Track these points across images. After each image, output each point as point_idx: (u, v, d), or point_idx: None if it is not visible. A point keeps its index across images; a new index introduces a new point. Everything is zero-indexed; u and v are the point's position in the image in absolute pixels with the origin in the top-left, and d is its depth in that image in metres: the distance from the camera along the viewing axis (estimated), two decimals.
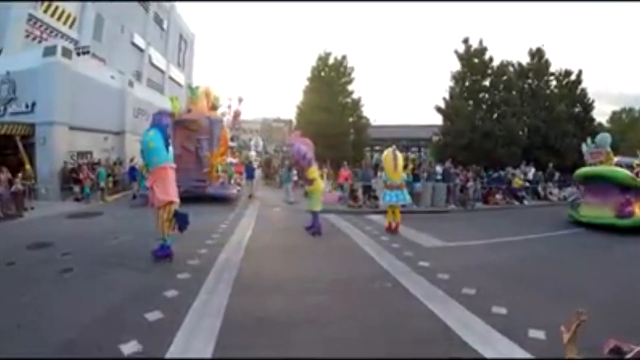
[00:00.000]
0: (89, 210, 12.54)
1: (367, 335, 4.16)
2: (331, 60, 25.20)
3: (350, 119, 25.22)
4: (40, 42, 17.44)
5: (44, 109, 14.87)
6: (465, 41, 24.02)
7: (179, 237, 6.88)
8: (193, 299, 4.97)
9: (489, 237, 9.54)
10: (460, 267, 6.66)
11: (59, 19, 19.10)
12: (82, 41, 20.15)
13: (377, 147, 28.03)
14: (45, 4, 18.16)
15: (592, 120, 25.40)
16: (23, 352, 3.55)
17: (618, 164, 11.57)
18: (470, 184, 16.10)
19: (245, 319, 4.47)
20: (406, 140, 30.02)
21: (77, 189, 14.70)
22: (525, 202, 16.90)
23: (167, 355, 3.58)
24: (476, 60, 23.78)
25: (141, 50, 26.95)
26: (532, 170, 19.16)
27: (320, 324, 4.42)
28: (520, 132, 23.23)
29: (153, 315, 4.42)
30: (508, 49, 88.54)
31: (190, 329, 4.15)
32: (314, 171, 9.63)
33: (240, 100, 26.55)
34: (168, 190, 6.72)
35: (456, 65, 24.37)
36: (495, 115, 23.25)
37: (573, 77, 25.19)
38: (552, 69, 25.16)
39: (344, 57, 25.24)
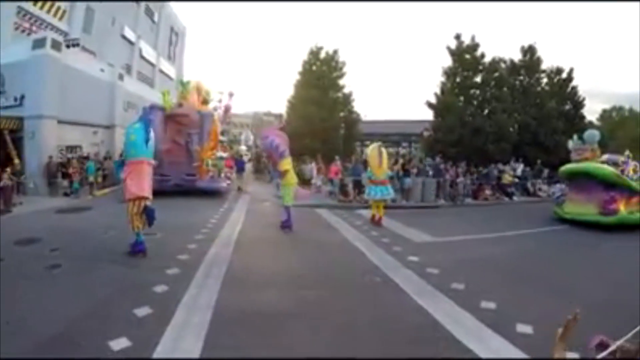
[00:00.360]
0: (78, 205, 12.42)
1: (357, 330, 4.23)
2: (323, 55, 25.10)
3: (341, 114, 25.18)
4: (29, 34, 17.06)
5: (32, 103, 14.62)
6: (458, 37, 24.04)
7: (168, 232, 6.87)
8: (182, 294, 4.99)
9: (478, 232, 9.67)
10: (449, 262, 6.77)
11: (48, 11, 18.72)
12: (71, 33, 19.72)
13: (367, 142, 28.01)
14: None
15: (583, 117, 25.60)
16: (11, 350, 3.54)
17: (606, 162, 11.55)
18: (460, 179, 16.24)
19: (235, 314, 4.51)
20: (397, 135, 30.05)
21: (65, 183, 14.53)
22: (515, 198, 17.07)
23: (155, 355, 3.58)
24: (468, 57, 23.82)
25: (132, 43, 26.51)
26: (521, 166, 19.37)
27: (310, 319, 4.48)
28: (511, 129, 23.35)
29: (142, 311, 4.45)
30: (500, 46, 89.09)
31: (179, 324, 4.17)
32: (287, 163, 9.49)
33: (231, 95, 26.36)
34: (142, 185, 6.72)
35: (448, 61, 24.45)
36: (486, 112, 23.35)
37: (564, 75, 25.37)
38: (543, 67, 25.36)
39: (335, 52, 25.15)
